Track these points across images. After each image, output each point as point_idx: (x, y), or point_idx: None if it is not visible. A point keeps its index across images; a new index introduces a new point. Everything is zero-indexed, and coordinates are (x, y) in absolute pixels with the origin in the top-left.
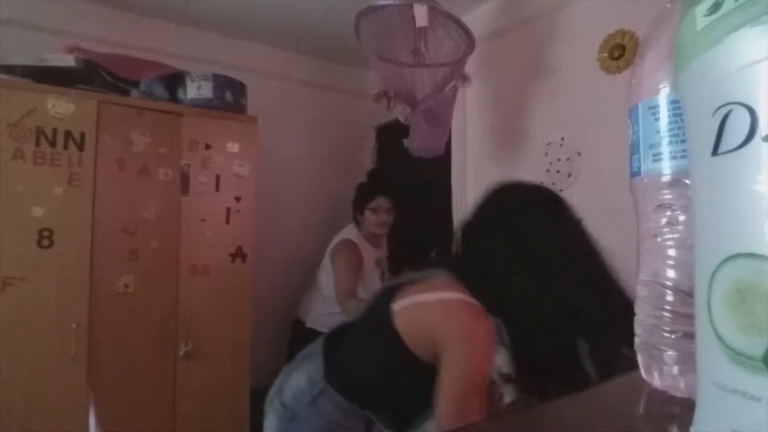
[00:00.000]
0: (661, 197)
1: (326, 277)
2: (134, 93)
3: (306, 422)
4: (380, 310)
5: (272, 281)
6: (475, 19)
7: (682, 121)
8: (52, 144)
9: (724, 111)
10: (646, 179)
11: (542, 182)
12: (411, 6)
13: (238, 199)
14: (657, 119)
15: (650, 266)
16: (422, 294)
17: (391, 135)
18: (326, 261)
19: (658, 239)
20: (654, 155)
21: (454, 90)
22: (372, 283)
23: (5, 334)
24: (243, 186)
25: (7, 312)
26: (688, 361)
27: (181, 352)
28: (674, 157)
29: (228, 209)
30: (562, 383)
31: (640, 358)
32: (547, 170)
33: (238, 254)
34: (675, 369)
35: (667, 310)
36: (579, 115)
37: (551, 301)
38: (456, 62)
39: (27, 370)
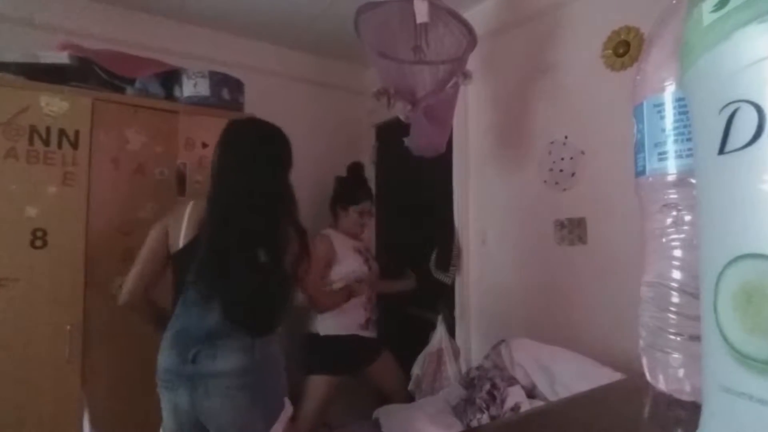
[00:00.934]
0: (666, 197)
1: None
2: (129, 91)
3: None
4: None
5: None
6: (477, 15)
7: (688, 119)
8: (46, 142)
9: (730, 109)
10: (651, 178)
11: (545, 181)
12: (411, 2)
13: None
14: (662, 117)
15: (655, 267)
16: None
17: (391, 133)
18: None
19: (664, 239)
20: (659, 154)
21: (456, 87)
22: (351, 269)
23: None
24: None
25: None
26: (693, 364)
27: None
28: (680, 156)
29: None
30: None
31: (644, 361)
32: (550, 169)
33: None
34: (680, 372)
35: (672, 312)
36: (583, 114)
37: None
38: (457, 59)
39: (20, 373)
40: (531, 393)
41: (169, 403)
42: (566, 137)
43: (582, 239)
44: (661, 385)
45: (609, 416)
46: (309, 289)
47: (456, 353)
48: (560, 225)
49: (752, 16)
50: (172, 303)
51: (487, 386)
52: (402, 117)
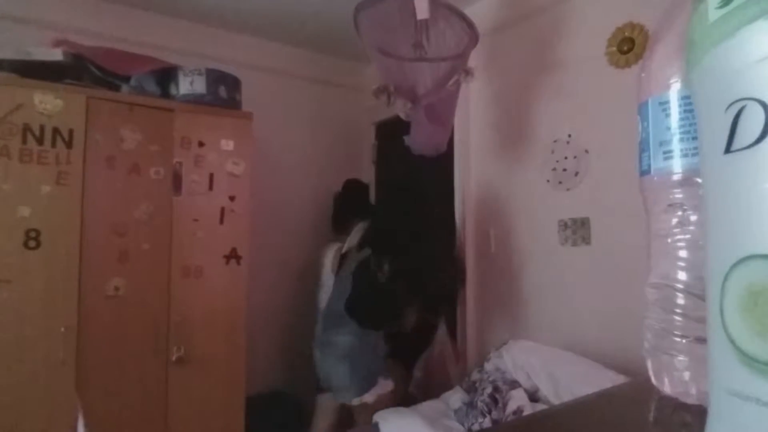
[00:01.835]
0: (671, 196)
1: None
2: (124, 88)
3: None
4: None
5: (268, 284)
6: (479, 12)
7: (694, 117)
8: (40, 141)
9: (737, 107)
10: (656, 178)
11: (548, 180)
12: None
13: (232, 198)
14: (668, 115)
15: (660, 268)
16: None
17: (391, 132)
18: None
19: (669, 240)
20: (664, 153)
21: (457, 85)
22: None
23: None
24: (237, 185)
25: None
26: (699, 367)
27: (174, 358)
28: (685, 155)
29: (222, 209)
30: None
31: (649, 364)
32: (554, 168)
33: (233, 256)
34: (686, 375)
35: (678, 314)
36: (586, 112)
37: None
38: (459, 56)
39: (13, 375)
40: (534, 396)
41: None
42: (570, 136)
43: (586, 240)
44: (667, 388)
45: (613, 420)
46: None
47: (457, 356)
48: (563, 225)
49: (759, 13)
50: None
51: (489, 389)
52: (402, 115)
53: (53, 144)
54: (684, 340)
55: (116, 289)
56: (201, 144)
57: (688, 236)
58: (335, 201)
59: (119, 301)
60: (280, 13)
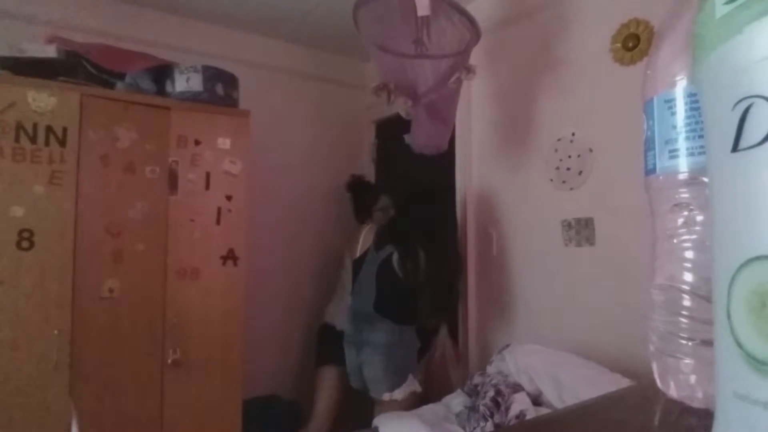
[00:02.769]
0: (677, 196)
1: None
2: (119, 86)
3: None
4: None
5: (266, 285)
6: (481, 7)
7: (700, 115)
8: (33, 140)
9: (744, 105)
10: (661, 177)
11: (551, 180)
12: None
13: (229, 198)
14: (673, 113)
15: (666, 269)
16: None
17: (391, 130)
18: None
19: (675, 240)
20: (670, 151)
21: (458, 83)
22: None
23: None
24: (234, 184)
25: None
26: (706, 370)
27: (169, 360)
28: (692, 154)
29: (219, 209)
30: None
31: (655, 366)
32: (557, 167)
33: (230, 257)
34: (692, 378)
35: (684, 316)
36: (591, 110)
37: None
38: (460, 53)
39: (5, 379)
40: (537, 400)
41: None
42: (573, 134)
43: (590, 240)
44: (672, 391)
45: (617, 424)
46: None
47: (459, 358)
48: (567, 225)
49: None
50: None
51: (491, 393)
52: (402, 113)
53: (46, 143)
54: (690, 343)
55: (111, 290)
56: (197, 142)
57: (694, 236)
58: (355, 193)
59: (114, 303)
60: (279, 8)
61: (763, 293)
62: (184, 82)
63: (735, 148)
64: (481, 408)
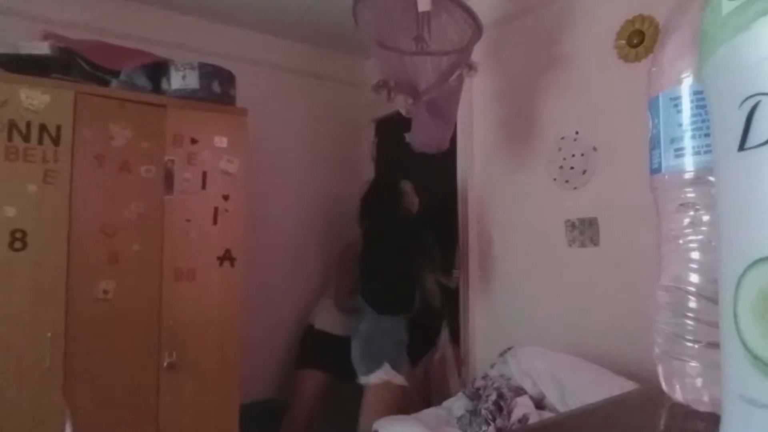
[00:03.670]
0: (683, 196)
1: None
2: (114, 83)
3: None
4: None
5: (264, 287)
6: (483, 3)
7: (706, 113)
8: (26, 138)
9: (751, 102)
10: (667, 176)
11: (555, 179)
12: None
13: (226, 197)
14: (679, 111)
15: (672, 270)
16: None
17: (391, 128)
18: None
19: (681, 241)
20: (676, 150)
21: (460, 80)
22: None
23: None
24: (231, 183)
25: None
26: (712, 373)
27: (165, 364)
28: (697, 153)
29: (215, 209)
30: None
31: (660, 369)
32: (560, 166)
33: (227, 257)
34: (698, 381)
35: (689, 318)
36: (594, 108)
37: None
38: (462, 50)
39: None
40: (540, 404)
41: None
42: (577, 133)
43: (594, 241)
44: (678, 395)
45: (622, 429)
46: None
47: (460, 361)
48: (571, 225)
49: None
50: None
51: (494, 396)
52: (403, 111)
53: (40, 141)
54: (696, 345)
55: (105, 292)
56: (194, 141)
57: (700, 237)
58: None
59: (108, 305)
60: (277, 4)
61: None
62: (180, 80)
63: (742, 147)
64: (483, 412)
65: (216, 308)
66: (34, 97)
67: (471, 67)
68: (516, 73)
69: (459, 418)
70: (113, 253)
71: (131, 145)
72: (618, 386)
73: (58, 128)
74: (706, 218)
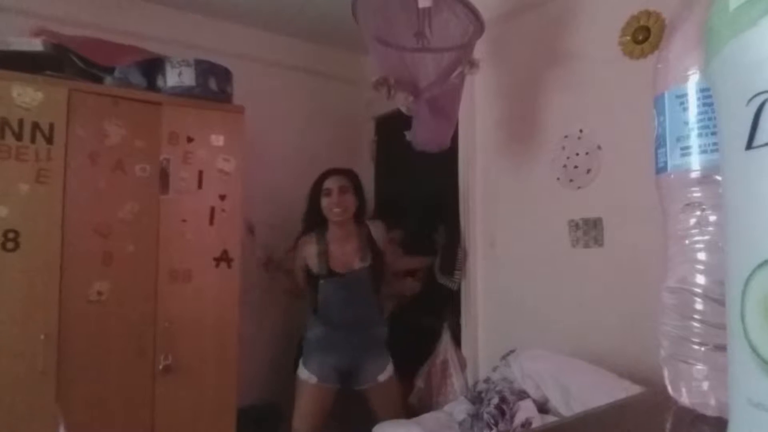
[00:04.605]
0: (689, 195)
1: None
2: (108, 80)
3: None
4: None
5: (261, 288)
6: None
7: (713, 111)
8: (18, 137)
9: (759, 100)
10: (673, 175)
11: (558, 178)
12: None
13: (222, 197)
14: (685, 109)
15: (678, 271)
16: None
17: (391, 127)
18: None
19: (687, 241)
20: (682, 149)
21: (461, 77)
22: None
23: None
24: (228, 183)
25: None
26: (719, 376)
27: (160, 366)
28: (704, 151)
29: (212, 209)
30: None
31: (666, 373)
32: (564, 165)
33: (223, 258)
34: (705, 384)
35: (696, 320)
36: (599, 105)
37: None
38: (463, 46)
39: None
40: (543, 407)
41: None
42: (581, 131)
43: (598, 241)
44: (684, 398)
45: None
46: None
47: (462, 364)
48: (575, 226)
49: None
50: None
51: (496, 400)
52: (403, 109)
53: (33, 139)
54: (703, 348)
55: (99, 293)
56: (190, 139)
57: (707, 237)
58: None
59: (102, 307)
60: (275, 1)
61: None
62: (176, 77)
63: (749, 146)
64: (485, 416)
65: (212, 310)
66: (26, 95)
67: (473, 64)
68: (519, 70)
69: (461, 423)
70: (107, 254)
71: (126, 143)
72: (623, 390)
73: (51, 126)
74: (712, 218)
